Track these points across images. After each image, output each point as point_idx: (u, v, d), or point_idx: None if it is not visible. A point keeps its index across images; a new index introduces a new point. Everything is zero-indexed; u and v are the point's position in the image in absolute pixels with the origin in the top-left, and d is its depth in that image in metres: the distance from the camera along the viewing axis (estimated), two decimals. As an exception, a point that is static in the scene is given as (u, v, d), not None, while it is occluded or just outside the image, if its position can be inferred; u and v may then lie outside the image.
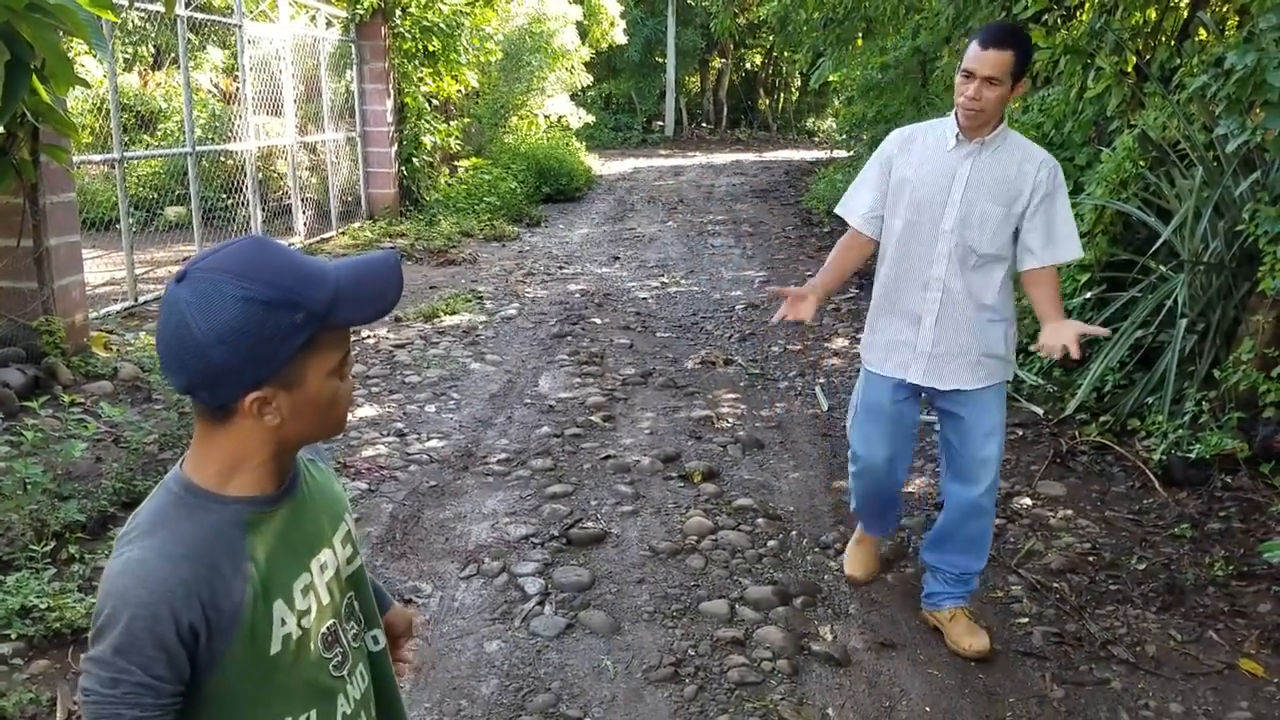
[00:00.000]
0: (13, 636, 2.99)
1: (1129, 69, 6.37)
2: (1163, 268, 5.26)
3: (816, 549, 3.85)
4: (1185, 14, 6.93)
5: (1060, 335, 2.85)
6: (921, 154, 3.04)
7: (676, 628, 3.27)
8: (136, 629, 1.12)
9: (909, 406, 3.22)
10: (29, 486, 3.58)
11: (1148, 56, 6.43)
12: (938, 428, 3.37)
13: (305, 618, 1.27)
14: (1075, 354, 2.80)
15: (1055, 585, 3.56)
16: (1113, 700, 2.95)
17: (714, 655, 3.11)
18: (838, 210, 3.30)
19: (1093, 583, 3.59)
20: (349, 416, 1.31)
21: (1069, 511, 4.15)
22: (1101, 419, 4.91)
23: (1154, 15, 6.89)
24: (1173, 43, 6.51)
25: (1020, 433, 4.98)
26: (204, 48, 12.65)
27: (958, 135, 2.96)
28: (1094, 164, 6.23)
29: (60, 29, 3.86)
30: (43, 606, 3.09)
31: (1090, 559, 3.76)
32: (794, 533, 3.98)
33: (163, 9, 7.70)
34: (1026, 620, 3.36)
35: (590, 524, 3.98)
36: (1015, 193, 2.92)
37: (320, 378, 1.21)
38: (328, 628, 1.32)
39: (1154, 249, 5.22)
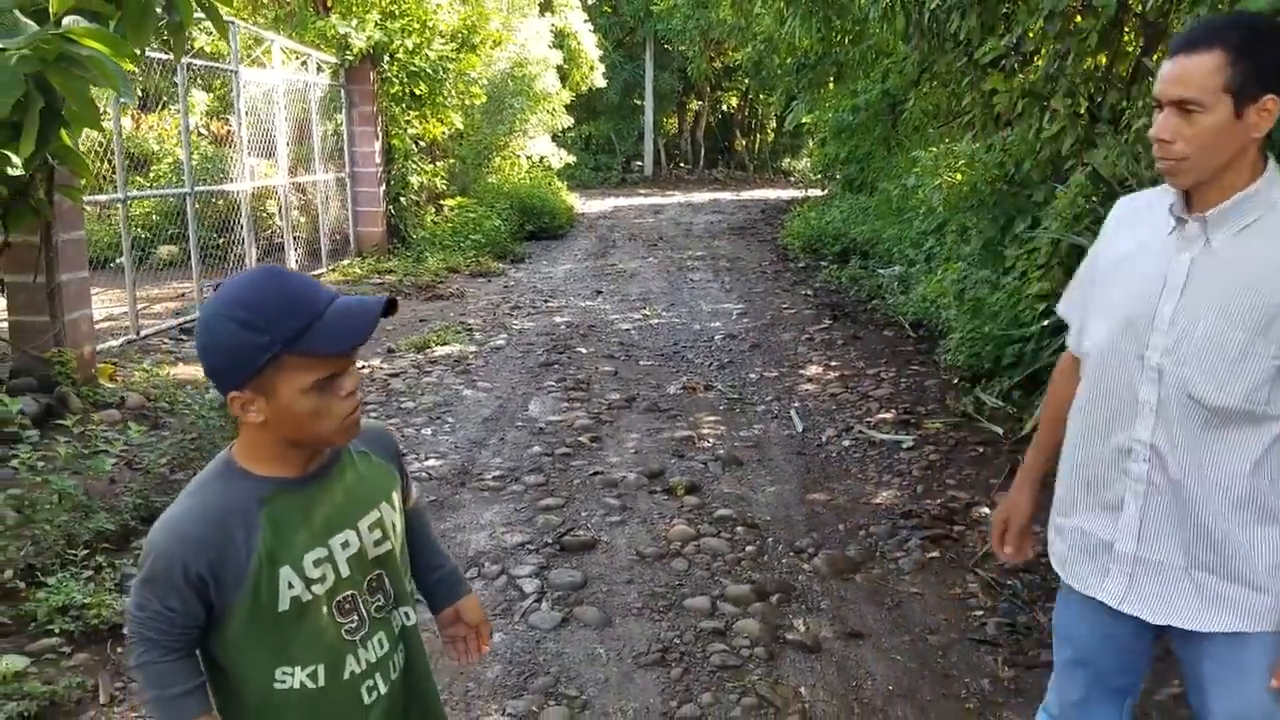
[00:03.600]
0: (56, 632, 3.26)
1: (1082, 111, 6.80)
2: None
3: (791, 553, 4.17)
4: (1135, 59, 7.39)
5: None
6: (1138, 235, 1.90)
7: (663, 621, 3.57)
8: (157, 569, 1.44)
9: (1131, 648, 2.00)
10: (62, 498, 3.86)
11: (1099, 99, 6.86)
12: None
13: (317, 585, 1.51)
14: None
15: (1009, 582, 3.88)
16: (1058, 679, 3.26)
17: (697, 643, 3.41)
18: (1059, 309, 2.16)
19: (1044, 580, 3.91)
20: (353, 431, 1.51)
21: (1024, 518, 4.48)
22: (1057, 436, 5.25)
23: (1104, 60, 7.34)
24: (1120, 86, 6.95)
25: (980, 450, 5.33)
26: (189, 92, 12.98)
27: (1173, 208, 1.82)
28: (1050, 200, 6.64)
29: (89, 78, 4.18)
30: (80, 604, 3.36)
31: (1043, 560, 4.04)
32: (770, 539, 4.30)
33: (164, 55, 8.05)
34: (981, 613, 3.68)
35: (581, 532, 4.29)
36: (1271, 306, 1.70)
37: (293, 392, 1.41)
38: (345, 597, 1.55)
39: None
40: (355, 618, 1.57)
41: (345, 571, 1.55)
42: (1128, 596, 1.89)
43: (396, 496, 1.67)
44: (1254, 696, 1.82)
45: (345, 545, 1.55)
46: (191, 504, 1.48)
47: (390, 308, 1.47)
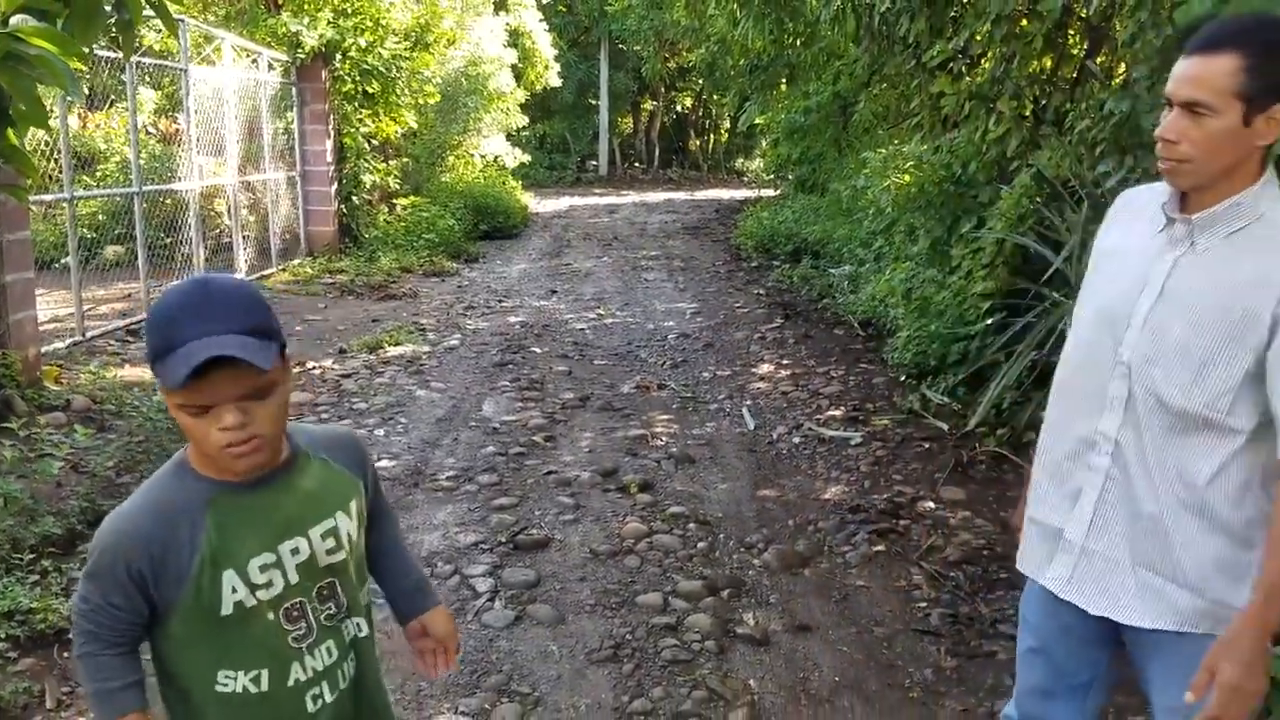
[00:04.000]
0: (2, 637, 3.23)
1: (1027, 113, 6.95)
2: (1055, 294, 5.78)
3: (742, 549, 4.23)
4: (1079, 62, 7.56)
5: (1223, 678, 1.68)
6: (1128, 230, 1.93)
7: (615, 617, 3.62)
8: (101, 563, 1.46)
9: (1085, 643, 2.02)
10: (7, 502, 3.81)
11: (1044, 102, 7.02)
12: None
13: (262, 591, 1.49)
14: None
15: (952, 575, 3.97)
16: (998, 669, 3.35)
17: (649, 639, 3.46)
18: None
19: (986, 572, 4.01)
20: (233, 462, 1.43)
21: (968, 513, 4.59)
22: (1000, 432, 5.38)
23: (1049, 63, 7.51)
24: (1065, 88, 7.12)
25: (926, 445, 5.44)
26: (137, 89, 12.79)
27: (1165, 206, 1.83)
28: (995, 201, 6.78)
29: (36, 77, 4.13)
30: (26, 608, 3.33)
31: (985, 552, 4.19)
32: (722, 535, 4.36)
33: (112, 53, 7.94)
34: (925, 604, 3.76)
35: (535, 531, 4.32)
36: (1240, 316, 1.69)
37: (172, 401, 1.41)
38: (293, 604, 1.53)
39: (1046, 277, 5.73)
40: (304, 625, 1.56)
41: (294, 579, 1.54)
42: (1069, 584, 1.92)
43: (355, 505, 1.64)
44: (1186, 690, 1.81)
45: (295, 552, 1.54)
46: (141, 500, 1.50)
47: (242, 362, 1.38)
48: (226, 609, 1.48)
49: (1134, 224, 1.91)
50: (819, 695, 3.17)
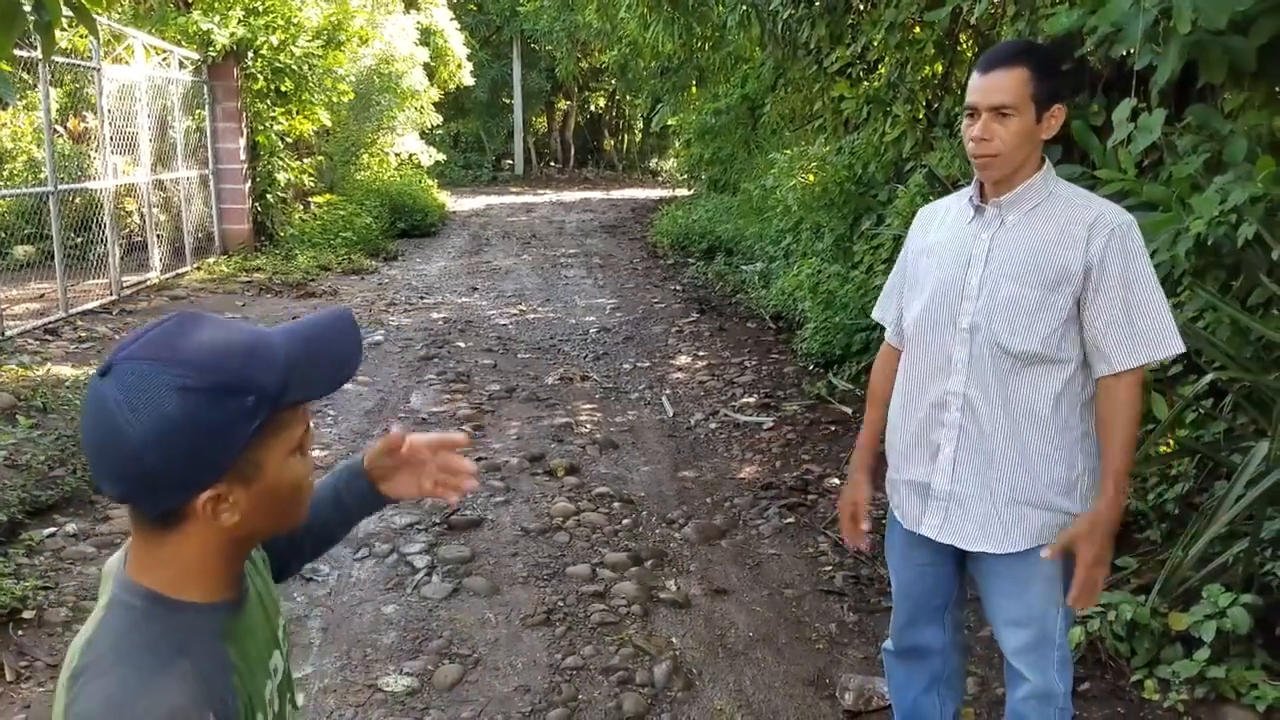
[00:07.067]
0: (-44, 618, 3.36)
1: (920, 116, 7.40)
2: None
3: (663, 524, 4.54)
4: (970, 66, 8.04)
5: (1085, 557, 2.08)
6: (940, 230, 2.29)
7: (547, 587, 3.89)
8: None
9: (938, 575, 2.38)
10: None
11: (935, 105, 7.48)
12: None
13: None
14: (1083, 600, 2.13)
15: (856, 541, 4.34)
16: (895, 620, 3.72)
17: (579, 605, 3.75)
18: (875, 315, 2.55)
19: (884, 538, 4.38)
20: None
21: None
22: (900, 413, 5.79)
23: (940, 69, 7.98)
24: (956, 92, 7.59)
25: (832, 428, 5.83)
26: (35, 87, 12.55)
27: (972, 199, 2.21)
28: (893, 199, 7.22)
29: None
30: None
31: (883, 521, 4.55)
32: (644, 512, 4.67)
33: (25, 53, 7.90)
34: (831, 568, 4.12)
35: (468, 512, 4.57)
36: (1056, 269, 2.10)
37: (280, 462, 1.05)
38: None
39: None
40: None
41: (275, 706, 1.18)
42: (943, 529, 2.22)
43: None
44: (1032, 602, 2.19)
45: (275, 671, 1.19)
46: (145, 666, 0.98)
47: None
48: None
49: (942, 227, 2.29)
50: (735, 649, 3.50)
